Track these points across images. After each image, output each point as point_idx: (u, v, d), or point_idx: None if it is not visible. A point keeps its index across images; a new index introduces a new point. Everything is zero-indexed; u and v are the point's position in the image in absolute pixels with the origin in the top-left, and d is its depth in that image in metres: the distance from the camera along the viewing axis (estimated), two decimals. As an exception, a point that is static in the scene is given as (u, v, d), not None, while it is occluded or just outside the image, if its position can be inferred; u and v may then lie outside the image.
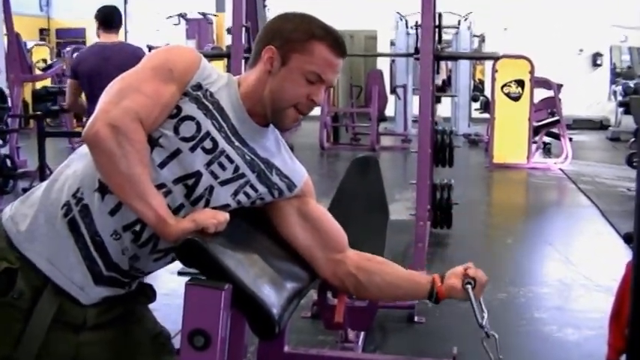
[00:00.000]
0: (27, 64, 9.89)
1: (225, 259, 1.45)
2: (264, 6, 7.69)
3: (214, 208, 1.52)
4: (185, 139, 1.49)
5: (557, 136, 9.86)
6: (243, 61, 4.78)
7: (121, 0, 13.32)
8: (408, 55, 10.25)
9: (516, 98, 9.31)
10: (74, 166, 1.55)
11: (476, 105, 13.63)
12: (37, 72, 11.39)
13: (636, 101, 8.81)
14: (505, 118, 9.28)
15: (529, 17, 14.56)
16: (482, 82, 15.34)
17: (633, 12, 14.14)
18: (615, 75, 14.74)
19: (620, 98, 12.62)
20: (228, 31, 11.12)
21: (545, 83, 9.64)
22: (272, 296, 1.50)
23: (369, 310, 2.47)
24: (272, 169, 1.62)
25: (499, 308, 3.92)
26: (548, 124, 9.71)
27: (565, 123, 9.78)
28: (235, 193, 1.56)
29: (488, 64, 12.30)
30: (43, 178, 4.96)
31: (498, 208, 7.64)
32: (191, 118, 1.50)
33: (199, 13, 15.96)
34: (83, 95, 4.23)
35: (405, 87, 12.11)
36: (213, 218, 1.46)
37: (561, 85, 10.18)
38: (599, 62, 15.35)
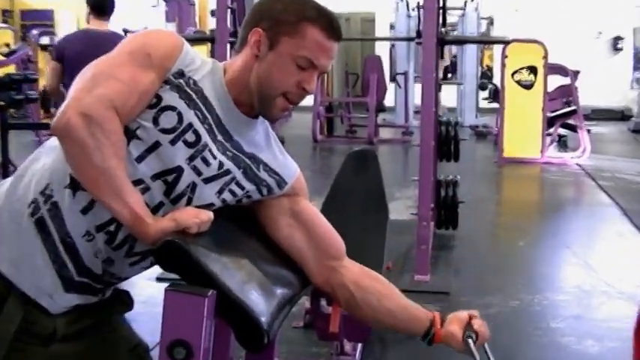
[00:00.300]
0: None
1: (209, 263, 1.45)
2: (252, -15, 7.69)
3: (197, 207, 1.52)
4: (165, 131, 1.49)
5: (573, 128, 9.90)
6: (228, 45, 4.79)
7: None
8: (409, 39, 10.29)
9: (528, 86, 9.33)
10: (42, 161, 1.54)
11: (484, 94, 13.65)
12: (0, 58, 11.35)
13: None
14: (516, 108, 9.29)
15: (542, -3, 14.62)
16: (490, 69, 15.39)
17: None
18: (638, 60, 14.78)
19: (643, 86, 12.69)
20: (212, 13, 11.11)
21: (560, 70, 9.67)
22: (260, 303, 1.50)
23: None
24: (259, 165, 1.62)
25: (511, 317, 3.92)
26: (563, 115, 9.74)
27: (582, 113, 9.80)
28: (220, 191, 1.56)
29: (498, 49, 12.32)
30: (6, 175, 4.95)
31: (509, 206, 7.64)
32: (172, 108, 1.50)
33: (180, -7, 15.92)
34: None
35: (405, 74, 12.14)
36: (195, 217, 1.46)
37: (578, 72, 10.22)
38: (620, 46, 15.39)
